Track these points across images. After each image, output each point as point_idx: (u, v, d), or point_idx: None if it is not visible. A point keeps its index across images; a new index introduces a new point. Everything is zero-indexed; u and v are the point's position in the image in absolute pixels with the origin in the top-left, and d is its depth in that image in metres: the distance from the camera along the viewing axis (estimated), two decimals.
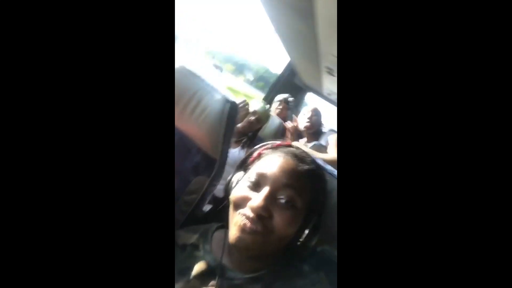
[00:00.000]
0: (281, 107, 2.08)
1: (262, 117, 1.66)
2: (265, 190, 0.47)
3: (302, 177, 0.50)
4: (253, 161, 0.56)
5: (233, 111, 0.64)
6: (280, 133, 1.80)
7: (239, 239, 0.46)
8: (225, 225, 0.55)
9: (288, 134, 1.75)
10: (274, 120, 1.77)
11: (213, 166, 0.67)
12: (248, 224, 0.46)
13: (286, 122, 1.82)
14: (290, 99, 2.09)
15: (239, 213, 0.48)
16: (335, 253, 0.54)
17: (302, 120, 1.87)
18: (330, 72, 1.49)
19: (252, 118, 1.64)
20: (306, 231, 0.50)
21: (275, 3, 1.10)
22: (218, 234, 0.57)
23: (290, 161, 0.51)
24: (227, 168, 0.69)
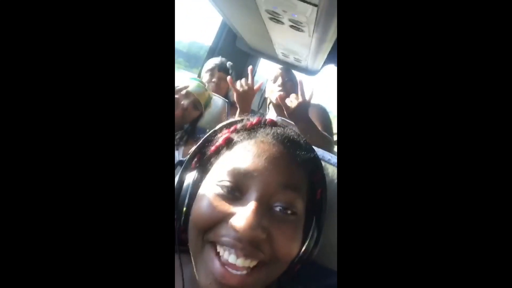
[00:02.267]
0: (215, 79, 1.48)
1: (201, 100, 1.19)
2: (254, 198, 0.32)
3: (301, 171, 0.36)
4: (217, 152, 0.38)
5: None
6: (228, 117, 1.34)
7: None
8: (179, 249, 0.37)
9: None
10: (216, 100, 1.30)
11: None
12: (236, 260, 0.31)
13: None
14: (228, 64, 1.50)
15: (212, 244, 0.32)
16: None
17: (271, 91, 1.32)
18: (274, 18, 1.04)
19: (186, 103, 1.16)
20: (307, 241, 0.36)
21: None
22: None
23: (282, 149, 0.36)
24: None
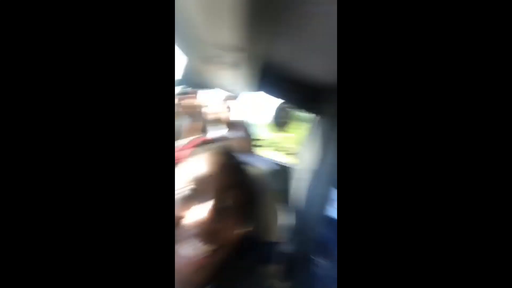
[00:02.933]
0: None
1: None
2: (209, 198, 0.44)
3: (237, 173, 0.50)
4: (183, 161, 0.50)
5: None
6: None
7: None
8: None
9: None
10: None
11: None
12: (199, 247, 0.42)
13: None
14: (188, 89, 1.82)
15: (181, 235, 0.42)
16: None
17: (218, 110, 1.63)
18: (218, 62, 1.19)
19: None
20: (248, 224, 0.49)
21: None
22: None
23: (224, 158, 0.49)
24: None
